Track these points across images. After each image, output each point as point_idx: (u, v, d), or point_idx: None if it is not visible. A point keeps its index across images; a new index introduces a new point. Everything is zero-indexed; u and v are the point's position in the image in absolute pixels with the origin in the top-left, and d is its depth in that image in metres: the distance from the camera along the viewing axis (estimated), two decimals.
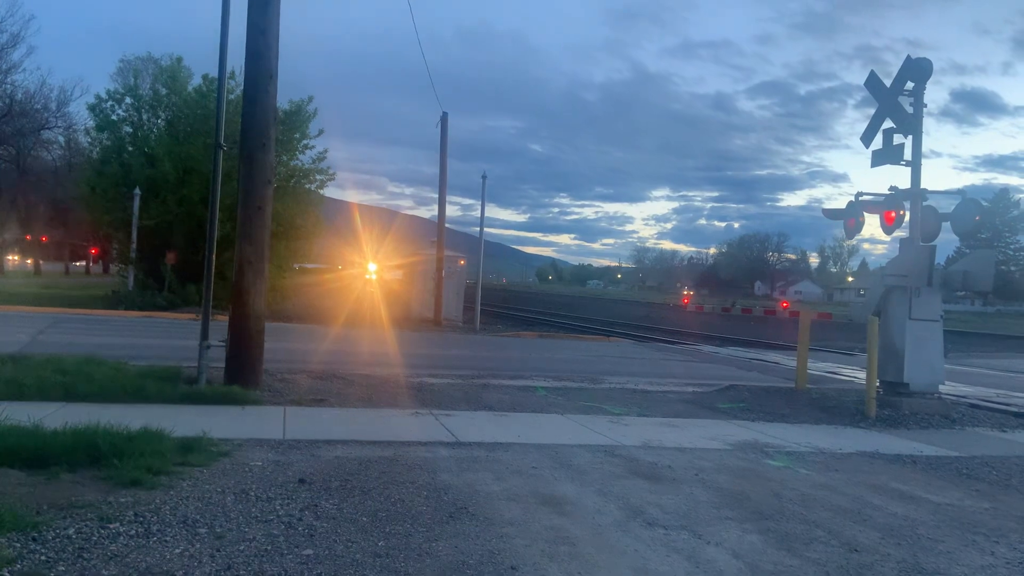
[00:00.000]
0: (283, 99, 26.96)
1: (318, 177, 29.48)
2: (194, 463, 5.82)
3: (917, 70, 11.38)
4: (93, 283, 42.10)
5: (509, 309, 47.88)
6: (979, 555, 5.07)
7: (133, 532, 4.36)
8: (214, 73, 9.95)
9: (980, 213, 11.68)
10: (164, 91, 28.27)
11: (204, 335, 9.29)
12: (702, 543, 4.93)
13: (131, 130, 28.47)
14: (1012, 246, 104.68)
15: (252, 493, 5.24)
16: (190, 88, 28.15)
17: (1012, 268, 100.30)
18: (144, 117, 28.62)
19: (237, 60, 9.92)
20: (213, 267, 9.57)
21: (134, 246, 27.37)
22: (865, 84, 12.05)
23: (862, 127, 12.14)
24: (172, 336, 16.38)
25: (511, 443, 7.53)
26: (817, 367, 17.33)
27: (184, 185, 26.07)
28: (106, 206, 28.08)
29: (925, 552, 5.06)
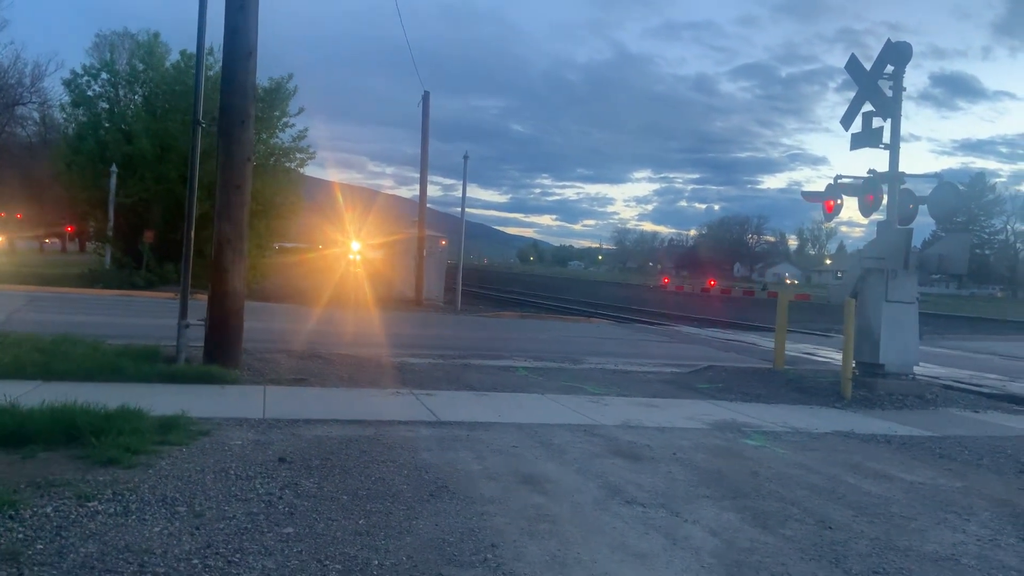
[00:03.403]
0: (262, 76, 26.61)
1: (298, 156, 29.21)
2: (173, 442, 5.80)
3: (897, 54, 11.44)
4: (69, 261, 41.54)
5: (490, 289, 47.89)
6: (950, 532, 5.18)
7: (112, 511, 4.34)
8: (192, 49, 9.80)
9: (956, 197, 11.81)
10: (141, 67, 27.79)
11: (183, 314, 9.22)
12: (680, 521, 4.99)
13: (107, 106, 27.99)
14: (987, 230, 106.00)
15: (232, 472, 5.23)
16: (168, 64, 27.70)
17: (987, 251, 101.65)
18: (121, 93, 28.13)
19: (216, 36, 9.78)
20: (192, 245, 9.49)
21: (111, 224, 27.02)
22: (846, 67, 12.09)
23: (842, 110, 12.22)
24: (150, 315, 16.24)
25: (492, 422, 7.56)
26: (794, 348, 17.51)
27: (162, 162, 25.73)
28: (82, 183, 27.65)
29: (898, 530, 5.15)
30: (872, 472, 6.74)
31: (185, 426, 6.22)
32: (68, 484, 4.67)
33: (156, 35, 28.18)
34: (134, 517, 4.28)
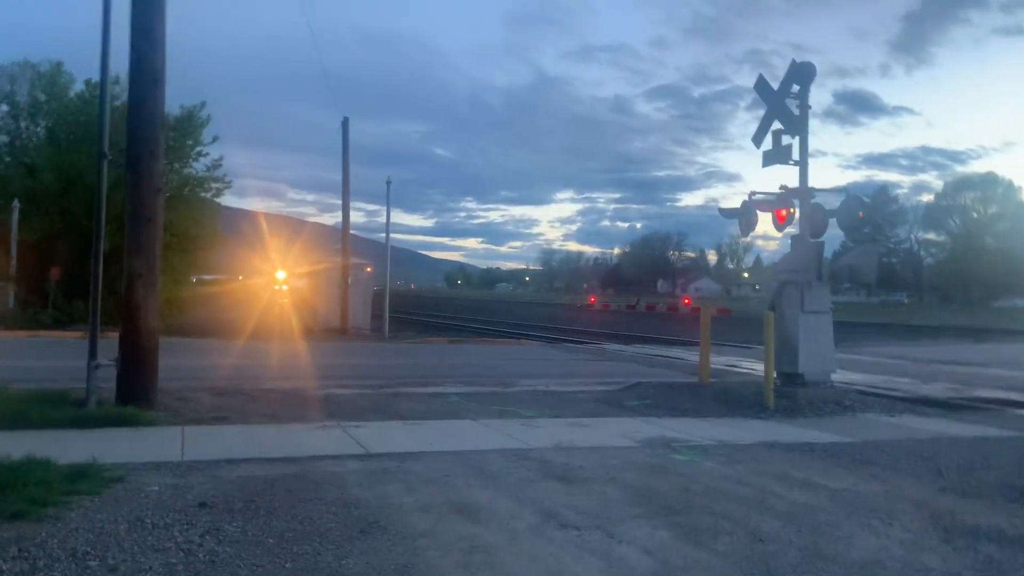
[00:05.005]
0: (173, 104, 25.94)
1: (214, 185, 28.44)
2: (84, 491, 5.47)
3: (802, 74, 11.91)
4: None
5: (419, 315, 47.51)
6: (875, 537, 5.31)
7: (18, 569, 4.06)
8: (97, 78, 9.46)
9: (863, 209, 12.31)
10: (43, 97, 26.72)
11: (92, 354, 8.78)
12: (614, 542, 4.97)
13: (8, 139, 26.82)
14: (892, 239, 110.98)
15: (148, 520, 4.97)
16: (72, 94, 26.73)
17: (893, 260, 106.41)
18: (22, 125, 26.99)
19: (122, 64, 9.46)
20: (100, 282, 9.08)
21: (13, 262, 25.72)
22: (754, 88, 12.52)
23: (753, 128, 12.62)
24: (58, 356, 15.44)
25: (423, 452, 7.43)
26: (719, 361, 17.87)
27: (67, 196, 24.69)
28: None
29: (825, 537, 5.26)
30: (798, 481, 6.88)
31: (97, 474, 5.89)
32: None
33: (59, 64, 27.17)
34: (41, 575, 4.01)
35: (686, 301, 65.04)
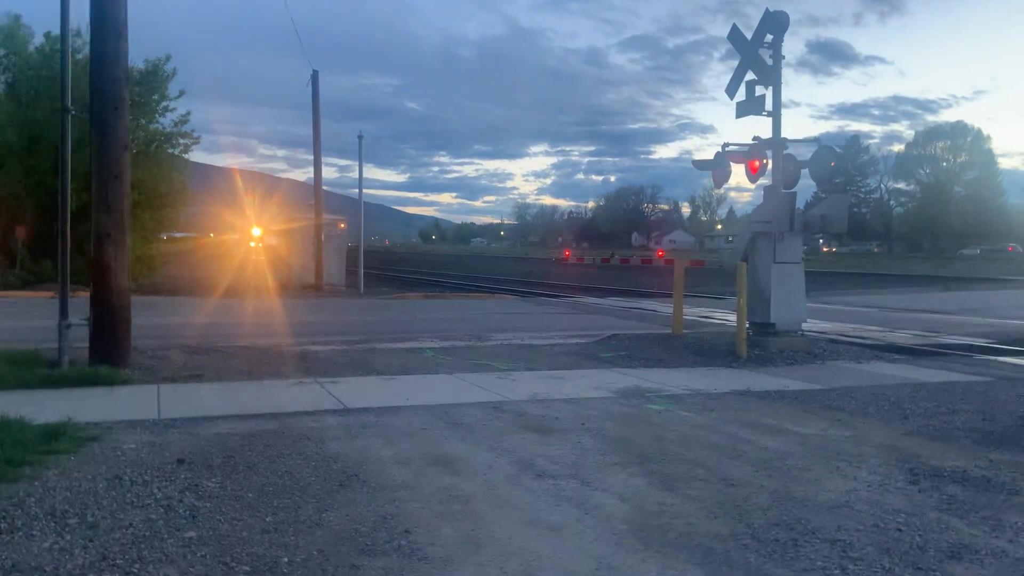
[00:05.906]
0: (137, 58, 25.26)
1: (181, 141, 27.84)
2: (60, 451, 5.47)
3: (775, 23, 11.83)
4: None
5: (393, 271, 47.39)
6: (843, 480, 5.47)
7: None
8: (57, 30, 9.19)
9: (834, 159, 12.38)
10: (2, 52, 25.86)
11: (63, 313, 8.69)
12: (590, 490, 5.08)
13: None
14: (863, 189, 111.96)
15: (126, 478, 4.98)
16: (31, 48, 25.89)
17: (863, 210, 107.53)
18: None
19: (83, 16, 9.18)
20: (68, 240, 8.94)
21: None
22: (728, 37, 12.43)
23: (727, 79, 12.57)
24: (28, 317, 15.24)
25: (400, 406, 7.48)
26: (692, 312, 18.08)
27: (31, 154, 24.10)
28: None
29: (795, 482, 5.40)
30: (769, 428, 7.04)
31: (72, 433, 5.88)
32: None
33: (17, 17, 26.22)
34: (20, 534, 4.02)
35: (660, 254, 65.33)
